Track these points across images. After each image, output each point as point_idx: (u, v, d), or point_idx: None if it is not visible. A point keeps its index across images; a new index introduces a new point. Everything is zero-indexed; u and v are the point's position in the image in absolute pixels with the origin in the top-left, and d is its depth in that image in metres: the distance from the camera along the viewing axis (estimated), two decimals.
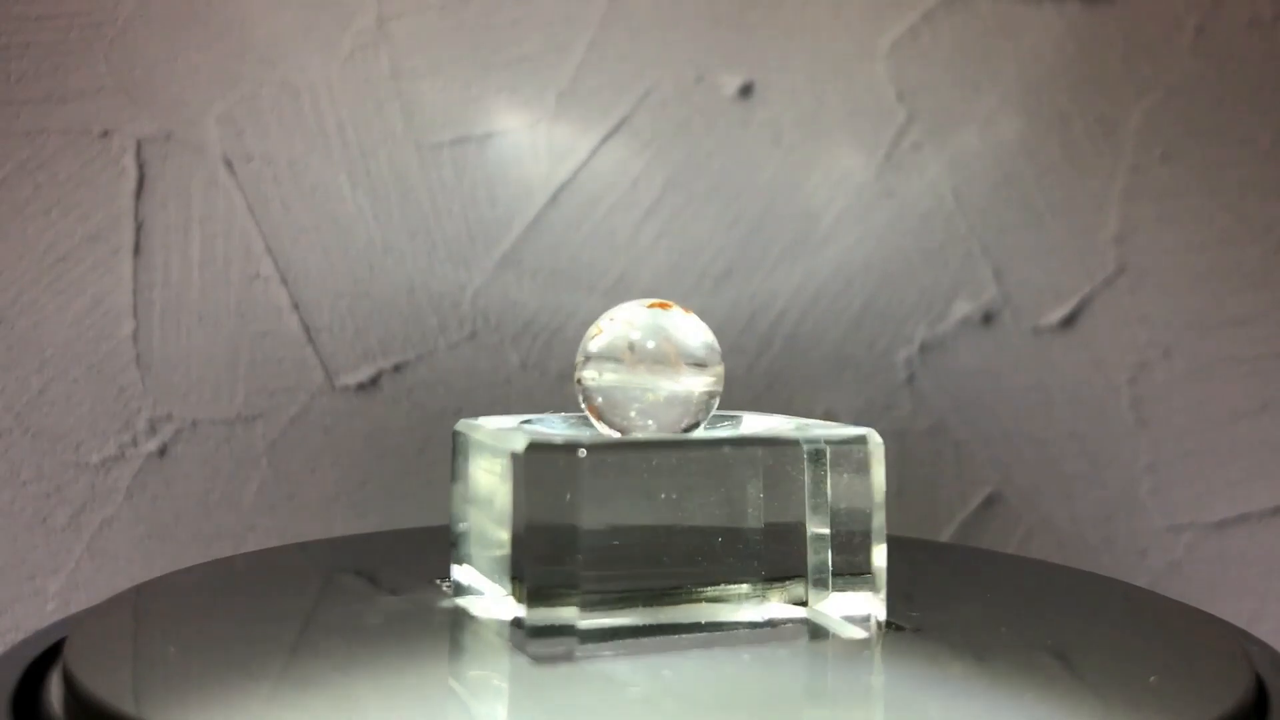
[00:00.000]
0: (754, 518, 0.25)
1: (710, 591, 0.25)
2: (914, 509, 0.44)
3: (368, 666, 0.23)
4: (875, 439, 0.26)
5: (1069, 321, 0.43)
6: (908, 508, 0.44)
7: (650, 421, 0.26)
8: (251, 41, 0.42)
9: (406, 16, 0.42)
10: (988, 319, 0.43)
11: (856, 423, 0.43)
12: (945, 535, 0.44)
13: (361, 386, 0.42)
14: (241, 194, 0.42)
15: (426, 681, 0.23)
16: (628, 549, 0.24)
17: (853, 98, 0.43)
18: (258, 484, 0.42)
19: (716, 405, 0.27)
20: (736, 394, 0.42)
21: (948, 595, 0.30)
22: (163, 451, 0.42)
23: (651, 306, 0.27)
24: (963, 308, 0.43)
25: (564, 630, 0.23)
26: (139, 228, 0.41)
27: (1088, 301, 0.43)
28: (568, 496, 0.23)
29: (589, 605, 0.23)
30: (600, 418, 0.27)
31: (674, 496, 0.25)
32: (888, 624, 0.26)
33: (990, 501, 0.44)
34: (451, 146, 0.42)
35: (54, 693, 0.22)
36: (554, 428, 0.28)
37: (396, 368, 0.43)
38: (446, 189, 0.42)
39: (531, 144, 0.43)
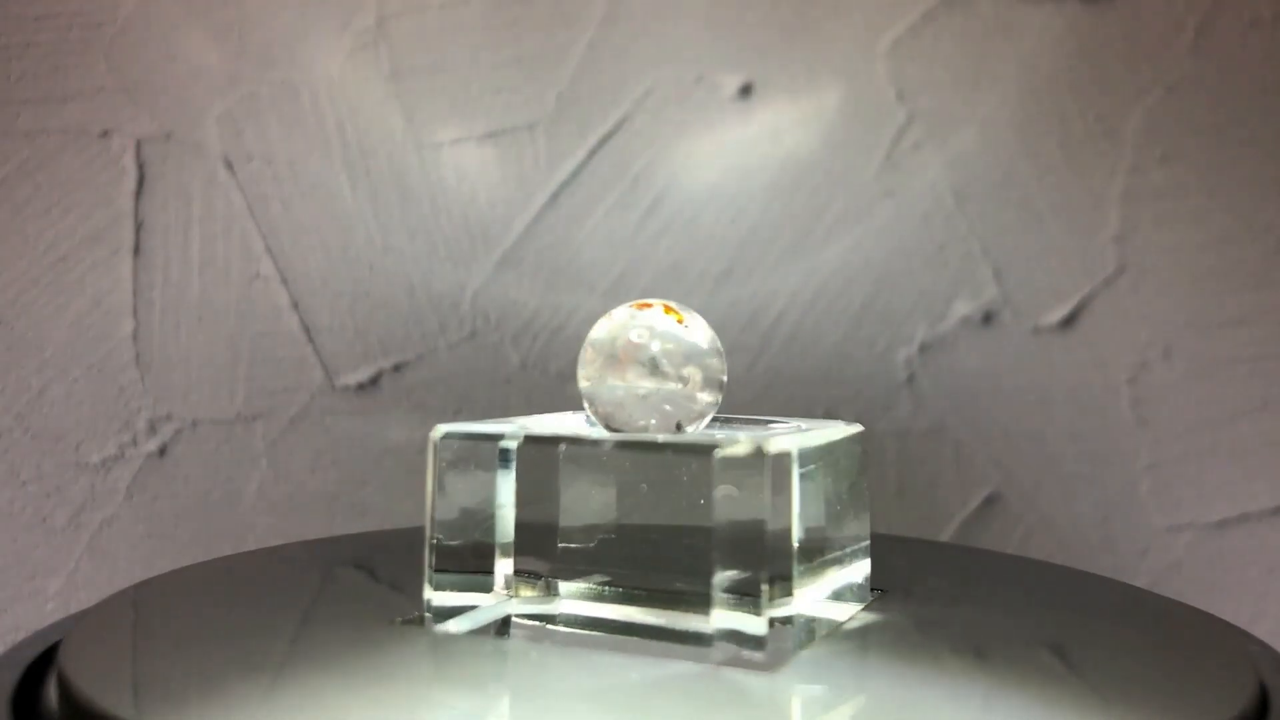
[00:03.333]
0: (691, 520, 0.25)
1: (628, 592, 0.25)
2: (914, 509, 0.44)
3: (364, 671, 0.23)
4: (765, 453, 0.24)
5: (1069, 321, 0.43)
6: (908, 508, 0.44)
7: (652, 420, 0.26)
8: (251, 41, 0.42)
9: (406, 16, 0.42)
10: (988, 319, 0.43)
11: (856, 422, 0.43)
12: (945, 535, 0.44)
13: (361, 386, 0.42)
14: (241, 194, 0.42)
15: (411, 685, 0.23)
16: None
17: (853, 98, 0.43)
18: (258, 484, 0.42)
19: (707, 403, 0.26)
20: (737, 394, 0.42)
21: (947, 595, 0.30)
22: (163, 451, 0.42)
23: (632, 306, 0.27)
24: (963, 308, 0.43)
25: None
26: (139, 228, 0.41)
27: (1088, 301, 0.43)
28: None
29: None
30: (595, 417, 0.27)
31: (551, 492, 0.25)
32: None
33: (990, 501, 0.44)
34: (451, 146, 0.42)
35: (54, 693, 0.22)
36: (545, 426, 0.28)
37: (396, 368, 0.42)
38: (446, 189, 0.42)
39: (531, 144, 0.43)
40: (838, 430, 0.27)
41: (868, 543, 0.28)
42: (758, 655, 0.23)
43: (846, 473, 0.27)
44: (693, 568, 0.24)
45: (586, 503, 0.25)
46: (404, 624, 0.26)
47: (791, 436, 0.26)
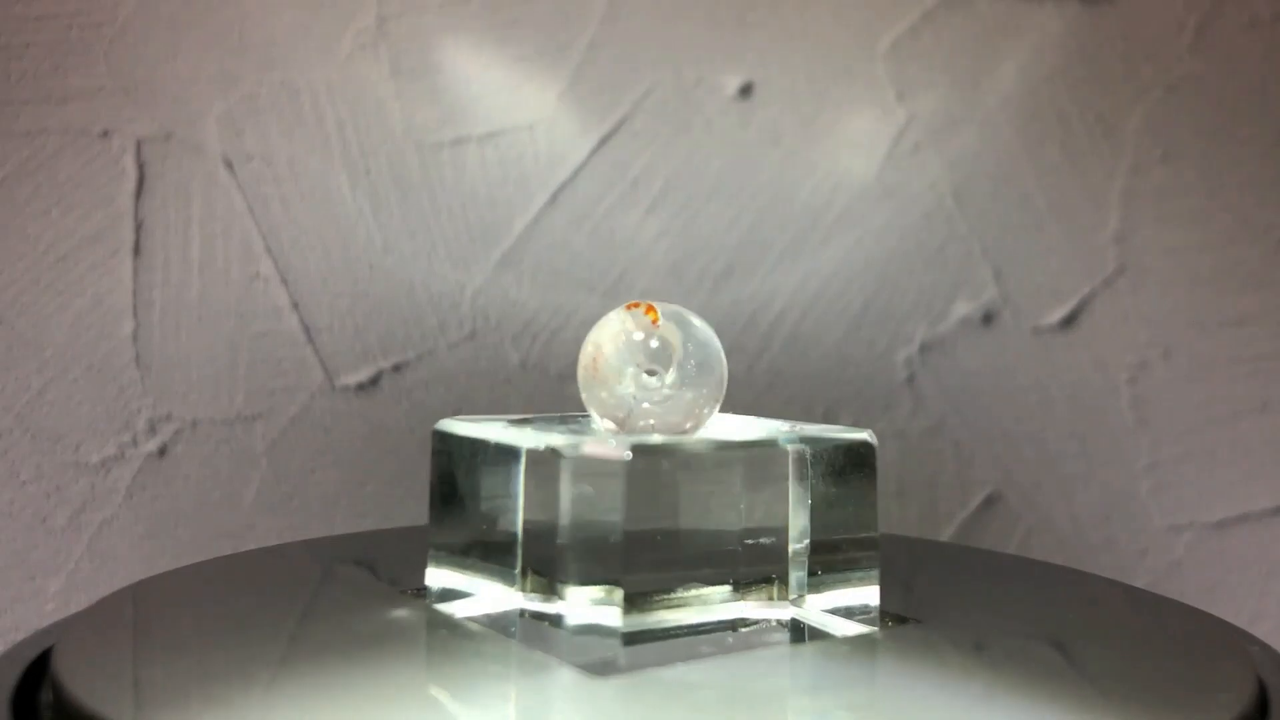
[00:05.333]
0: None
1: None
2: (914, 509, 0.44)
3: (359, 675, 0.23)
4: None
5: (1069, 321, 0.43)
6: (908, 508, 0.44)
7: (650, 420, 0.26)
8: (251, 41, 0.42)
9: (406, 16, 0.42)
10: (988, 319, 0.43)
11: (856, 422, 0.43)
12: (945, 535, 0.44)
13: (361, 386, 0.42)
14: (241, 194, 0.42)
15: (411, 686, 0.23)
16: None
17: (853, 98, 0.43)
18: (258, 484, 0.42)
19: (689, 402, 0.26)
20: (737, 394, 0.42)
21: (947, 595, 0.30)
22: (163, 451, 0.42)
23: (625, 308, 0.27)
24: (963, 308, 0.43)
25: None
26: (139, 228, 0.41)
27: (1088, 301, 0.43)
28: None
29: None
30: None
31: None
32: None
33: (990, 501, 0.44)
34: (451, 146, 0.42)
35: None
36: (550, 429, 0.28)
37: (396, 368, 0.43)
38: (446, 189, 0.42)
39: (531, 144, 0.43)
40: (829, 434, 0.27)
41: (873, 569, 0.26)
42: (605, 656, 0.23)
43: (827, 481, 0.26)
44: (549, 562, 0.24)
45: (531, 502, 0.25)
46: (413, 594, 0.27)
47: (743, 435, 0.26)
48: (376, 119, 0.42)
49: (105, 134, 0.41)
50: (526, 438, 0.25)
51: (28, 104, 0.41)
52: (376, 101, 0.42)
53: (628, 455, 0.23)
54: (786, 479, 0.25)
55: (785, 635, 0.25)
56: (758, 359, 0.43)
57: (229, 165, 0.42)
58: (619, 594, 0.23)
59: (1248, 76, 0.43)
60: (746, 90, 0.43)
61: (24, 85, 0.41)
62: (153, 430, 0.42)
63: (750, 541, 0.25)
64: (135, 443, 0.42)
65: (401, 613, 0.26)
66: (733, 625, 0.25)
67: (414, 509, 0.43)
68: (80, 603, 0.41)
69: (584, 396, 0.27)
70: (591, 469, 0.24)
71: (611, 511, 0.23)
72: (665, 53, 0.43)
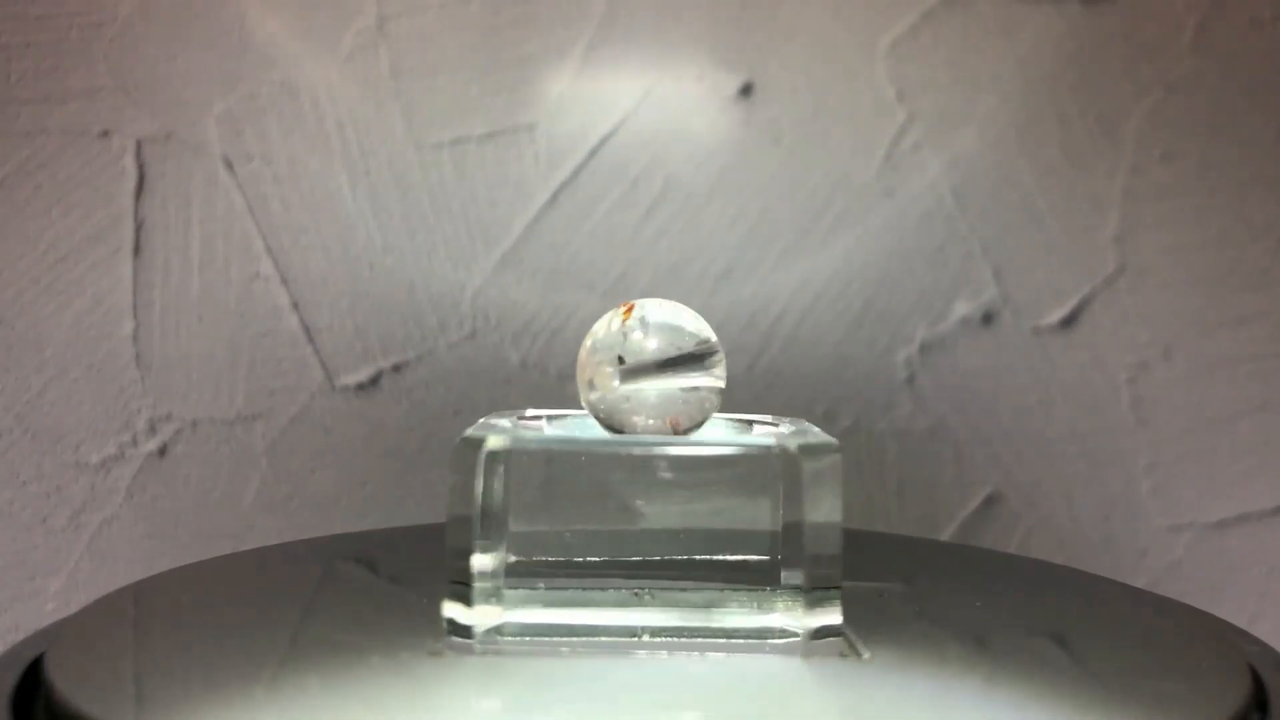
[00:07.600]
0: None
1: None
2: (914, 509, 0.44)
3: (359, 674, 0.23)
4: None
5: (1069, 321, 0.43)
6: (908, 508, 0.44)
7: (651, 420, 0.26)
8: (251, 41, 0.42)
9: (406, 16, 0.42)
10: (988, 319, 0.43)
11: (856, 422, 0.43)
12: (945, 535, 0.44)
13: (361, 386, 0.42)
14: (241, 194, 0.42)
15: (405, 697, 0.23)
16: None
17: (853, 98, 0.43)
18: (258, 484, 0.42)
19: (662, 404, 0.26)
20: (737, 394, 0.42)
21: (947, 594, 0.30)
22: (163, 451, 0.42)
23: (619, 307, 0.27)
24: (963, 308, 0.43)
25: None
26: (139, 228, 0.41)
27: (1088, 301, 0.43)
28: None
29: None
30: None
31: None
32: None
33: (990, 501, 0.44)
34: (451, 146, 0.42)
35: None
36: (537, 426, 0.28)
37: (396, 368, 0.43)
38: (446, 189, 0.42)
39: (531, 144, 0.43)
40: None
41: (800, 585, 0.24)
42: (471, 646, 0.24)
43: (743, 490, 0.25)
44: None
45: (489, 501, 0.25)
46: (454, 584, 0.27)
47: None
48: (376, 119, 0.42)
49: (105, 134, 0.41)
50: (478, 433, 0.25)
51: (28, 104, 0.41)
52: (376, 101, 0.42)
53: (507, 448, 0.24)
54: (675, 485, 0.25)
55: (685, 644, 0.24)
56: (758, 359, 0.43)
57: (229, 165, 0.42)
58: (482, 587, 0.24)
59: (1248, 76, 0.43)
60: (746, 90, 0.43)
61: (24, 85, 0.41)
62: (153, 430, 0.42)
63: (659, 546, 0.25)
64: (135, 443, 0.42)
65: (399, 611, 0.26)
66: (592, 631, 0.24)
67: (414, 509, 0.43)
68: (80, 603, 0.41)
69: (579, 392, 0.27)
70: (471, 464, 0.24)
71: (489, 505, 0.24)
72: (665, 53, 0.43)
